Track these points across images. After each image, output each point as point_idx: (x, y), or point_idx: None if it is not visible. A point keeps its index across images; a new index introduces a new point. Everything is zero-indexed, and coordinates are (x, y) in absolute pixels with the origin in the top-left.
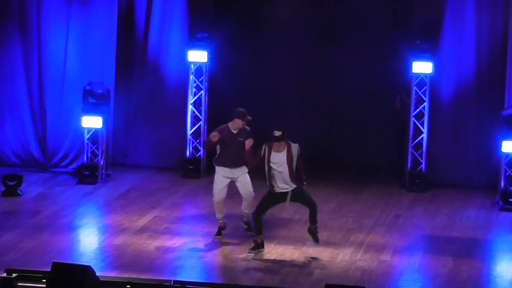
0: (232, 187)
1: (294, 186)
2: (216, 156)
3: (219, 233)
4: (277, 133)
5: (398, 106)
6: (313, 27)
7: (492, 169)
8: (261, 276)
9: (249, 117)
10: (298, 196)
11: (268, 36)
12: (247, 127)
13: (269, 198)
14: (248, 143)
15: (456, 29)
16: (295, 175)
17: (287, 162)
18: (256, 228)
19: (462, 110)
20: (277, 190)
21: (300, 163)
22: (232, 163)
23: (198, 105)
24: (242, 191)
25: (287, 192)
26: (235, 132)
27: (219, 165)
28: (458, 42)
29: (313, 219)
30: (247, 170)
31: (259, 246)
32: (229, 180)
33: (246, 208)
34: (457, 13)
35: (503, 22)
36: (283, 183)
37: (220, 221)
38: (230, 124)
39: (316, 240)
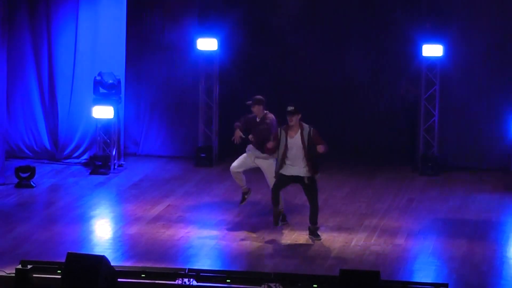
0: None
1: (305, 172)
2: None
3: (243, 199)
4: (290, 108)
5: (401, 92)
6: (323, 14)
7: (504, 150)
8: (276, 263)
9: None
10: (307, 187)
11: (278, 22)
12: (270, 115)
13: (281, 178)
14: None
15: (467, 11)
16: (308, 160)
17: (302, 146)
18: (273, 200)
19: (473, 93)
20: (285, 173)
21: (320, 144)
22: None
23: (209, 94)
24: (268, 180)
25: (297, 176)
26: (258, 120)
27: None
28: (469, 24)
29: (313, 220)
30: (273, 161)
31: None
32: (253, 157)
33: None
34: None
35: None
36: (294, 166)
37: (244, 187)
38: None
39: (317, 237)
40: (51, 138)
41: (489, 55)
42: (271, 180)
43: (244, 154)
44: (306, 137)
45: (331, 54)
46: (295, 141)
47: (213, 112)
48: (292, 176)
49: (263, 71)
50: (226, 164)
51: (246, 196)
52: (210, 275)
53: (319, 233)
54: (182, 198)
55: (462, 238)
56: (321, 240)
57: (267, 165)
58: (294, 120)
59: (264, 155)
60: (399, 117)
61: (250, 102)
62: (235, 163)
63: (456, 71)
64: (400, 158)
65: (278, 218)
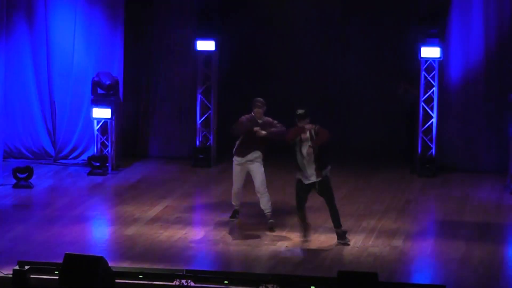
0: (247, 176)
1: (318, 177)
2: (236, 146)
3: (233, 215)
4: (301, 111)
5: (400, 93)
6: (321, 14)
7: (502, 152)
8: (273, 264)
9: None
10: (324, 191)
11: (276, 24)
12: (269, 119)
13: (301, 191)
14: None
15: (464, 13)
16: (316, 160)
17: (312, 147)
18: (300, 218)
19: (471, 94)
20: (305, 181)
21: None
22: (246, 153)
23: (207, 94)
24: (254, 181)
25: (314, 183)
26: (260, 122)
27: (237, 154)
28: (466, 26)
29: (336, 223)
30: (261, 159)
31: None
32: (244, 165)
33: (264, 205)
34: None
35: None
36: (308, 172)
37: (236, 207)
38: (254, 114)
39: (346, 241)
40: (49, 138)
41: (488, 57)
42: (260, 181)
43: (236, 171)
44: (314, 137)
45: (330, 55)
46: (307, 142)
47: (211, 113)
48: (309, 184)
49: (261, 71)
50: (224, 165)
51: (237, 215)
52: (208, 276)
53: (347, 236)
54: (180, 199)
55: (460, 239)
56: (321, 241)
57: (257, 167)
58: (306, 122)
59: (254, 156)
60: (398, 119)
61: (263, 106)
62: (236, 184)
63: (454, 73)
64: (399, 159)
65: (309, 231)
